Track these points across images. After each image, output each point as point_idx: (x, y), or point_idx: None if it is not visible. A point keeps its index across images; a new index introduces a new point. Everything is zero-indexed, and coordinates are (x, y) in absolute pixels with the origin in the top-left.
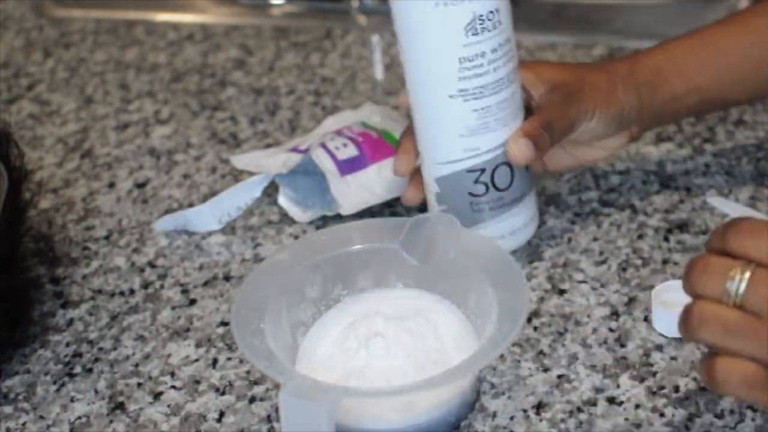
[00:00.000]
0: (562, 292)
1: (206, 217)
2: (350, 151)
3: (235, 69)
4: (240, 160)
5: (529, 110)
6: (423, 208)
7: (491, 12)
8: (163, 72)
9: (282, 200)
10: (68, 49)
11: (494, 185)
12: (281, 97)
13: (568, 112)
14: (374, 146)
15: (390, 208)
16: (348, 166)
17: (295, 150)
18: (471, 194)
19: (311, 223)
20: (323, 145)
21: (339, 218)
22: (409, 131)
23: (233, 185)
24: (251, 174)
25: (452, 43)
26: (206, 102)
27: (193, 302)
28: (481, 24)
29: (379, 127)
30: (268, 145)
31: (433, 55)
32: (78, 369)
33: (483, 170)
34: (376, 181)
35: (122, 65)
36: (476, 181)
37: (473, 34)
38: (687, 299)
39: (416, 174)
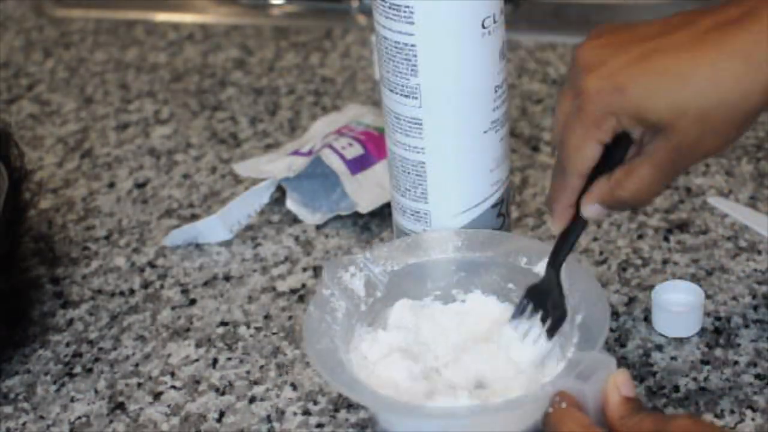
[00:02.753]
0: None
1: (217, 227)
2: (357, 150)
3: (235, 69)
4: (243, 168)
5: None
6: None
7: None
8: (163, 72)
9: (290, 204)
10: (68, 49)
11: (507, 212)
12: (281, 97)
13: (671, 179)
14: (377, 144)
15: (390, 208)
16: (357, 165)
17: (297, 153)
18: (492, 229)
19: (321, 226)
20: (330, 146)
21: (354, 217)
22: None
23: (241, 194)
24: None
25: (491, 70)
26: (206, 102)
27: (193, 302)
28: (504, 45)
29: (376, 125)
30: (268, 146)
31: (474, 87)
32: (78, 369)
33: (502, 201)
34: (386, 178)
35: (122, 65)
36: (498, 215)
37: (502, 58)
38: (687, 299)
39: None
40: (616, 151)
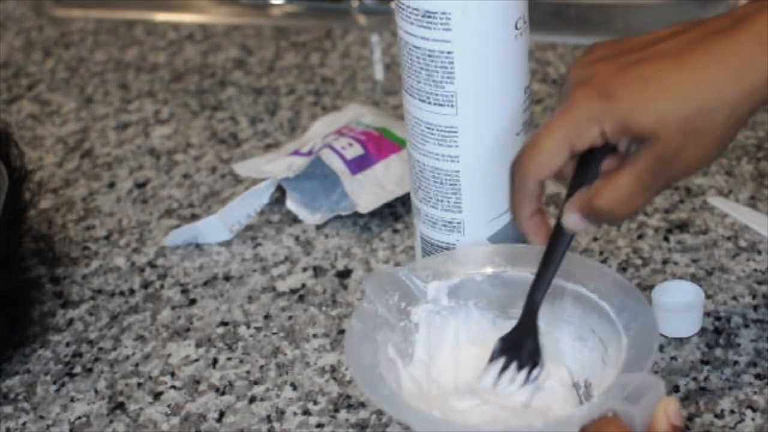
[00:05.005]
0: None
1: (217, 227)
2: (356, 150)
3: (235, 69)
4: (242, 168)
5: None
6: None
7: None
8: (163, 72)
9: (290, 204)
10: (68, 49)
11: None
12: (281, 97)
13: (652, 193)
14: (377, 144)
15: (390, 208)
16: (357, 165)
17: (297, 154)
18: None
19: (321, 226)
20: (330, 146)
21: (354, 217)
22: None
23: (241, 194)
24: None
25: (523, 72)
26: (206, 102)
27: (193, 302)
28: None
29: (376, 125)
30: (268, 146)
31: (508, 90)
32: (78, 369)
33: None
34: (386, 178)
35: (122, 65)
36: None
37: (529, 59)
38: (687, 299)
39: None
40: (593, 165)
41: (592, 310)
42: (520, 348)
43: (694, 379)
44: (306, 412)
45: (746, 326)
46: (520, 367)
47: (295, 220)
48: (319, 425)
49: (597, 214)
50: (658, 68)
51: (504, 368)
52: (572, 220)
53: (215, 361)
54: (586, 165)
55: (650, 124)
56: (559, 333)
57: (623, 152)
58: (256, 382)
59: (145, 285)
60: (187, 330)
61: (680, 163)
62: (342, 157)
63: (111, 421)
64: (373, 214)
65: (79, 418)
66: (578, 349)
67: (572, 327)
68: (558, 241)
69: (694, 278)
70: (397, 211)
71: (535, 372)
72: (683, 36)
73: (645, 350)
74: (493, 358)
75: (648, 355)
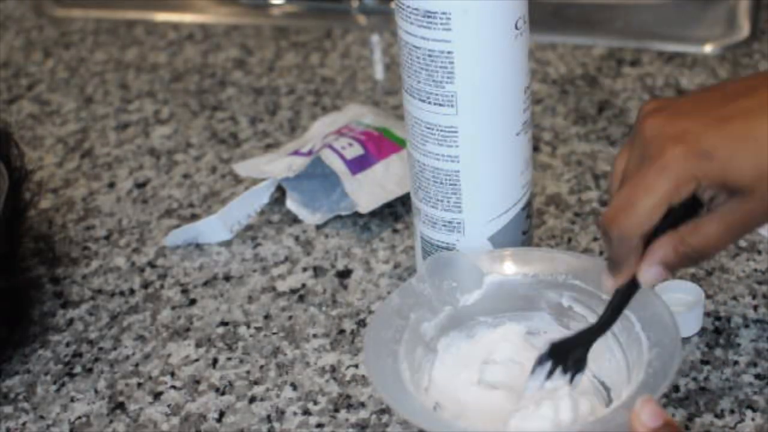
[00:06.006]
0: None
1: (217, 227)
2: (356, 150)
3: (235, 69)
4: (242, 168)
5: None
6: None
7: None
8: (163, 72)
9: (290, 204)
10: (68, 49)
11: (532, 214)
12: (281, 97)
13: (735, 240)
14: (378, 144)
15: (390, 208)
16: (357, 165)
17: (297, 154)
18: (523, 233)
19: (321, 226)
20: (330, 146)
21: (354, 217)
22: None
23: (241, 194)
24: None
25: (523, 71)
26: (206, 102)
27: (193, 302)
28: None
29: (376, 125)
30: (268, 146)
31: (508, 89)
32: (78, 369)
33: (529, 203)
34: (386, 178)
35: (122, 65)
36: (526, 217)
37: (529, 59)
38: (687, 299)
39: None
40: (674, 214)
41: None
42: (566, 356)
43: (694, 379)
44: (306, 412)
45: (746, 326)
46: (564, 371)
47: (295, 220)
48: (319, 425)
49: (681, 263)
50: (751, 125)
51: (551, 372)
52: (653, 273)
53: (215, 361)
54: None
55: (748, 181)
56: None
57: (707, 201)
58: (256, 382)
59: (145, 285)
60: (187, 330)
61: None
62: (342, 157)
63: (111, 421)
64: (373, 214)
65: (79, 418)
66: (601, 351)
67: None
68: (628, 293)
69: (694, 278)
70: (397, 211)
71: (578, 378)
72: (757, 94)
73: (663, 372)
74: (541, 361)
75: (665, 378)
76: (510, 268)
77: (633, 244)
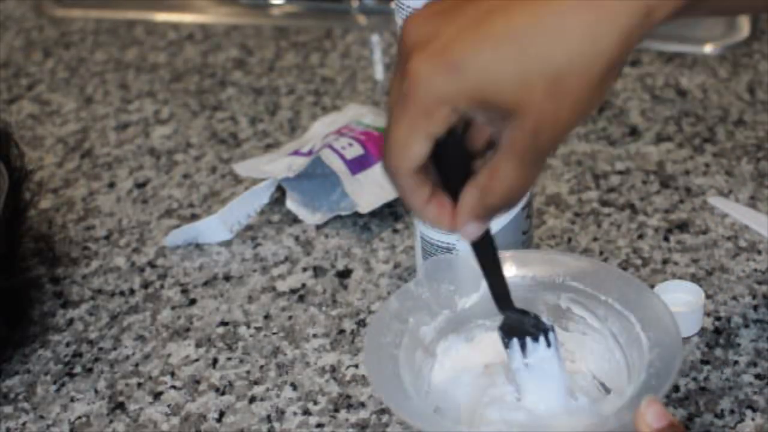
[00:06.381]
0: None
1: (217, 227)
2: (356, 150)
3: (235, 69)
4: (242, 168)
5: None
6: None
7: None
8: (163, 72)
9: (290, 204)
10: (68, 49)
11: (531, 213)
12: (281, 97)
13: (540, 166)
14: (378, 144)
15: (390, 208)
16: (357, 165)
17: (297, 154)
18: (523, 233)
19: (321, 226)
20: (330, 146)
21: (354, 217)
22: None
23: (241, 194)
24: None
25: None
26: (206, 102)
27: (193, 302)
28: None
29: (376, 125)
30: (268, 146)
31: None
32: (78, 369)
33: (529, 202)
34: (385, 178)
35: (122, 65)
36: (527, 217)
37: None
38: (687, 299)
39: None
40: (455, 149)
41: (619, 318)
42: (523, 327)
43: (694, 379)
44: (306, 412)
45: (746, 326)
46: (535, 340)
47: (295, 220)
48: (319, 425)
49: (493, 214)
50: (512, 23)
51: (522, 346)
52: (470, 230)
53: (215, 361)
54: (447, 149)
55: (513, 96)
56: (586, 337)
57: (487, 125)
58: (256, 382)
59: (145, 285)
60: (187, 330)
61: (559, 127)
62: (342, 157)
63: (111, 421)
64: (373, 214)
65: (79, 418)
66: (601, 352)
67: (597, 334)
68: (482, 248)
69: (694, 278)
70: (397, 211)
71: (551, 337)
72: None
73: (664, 373)
74: (506, 345)
75: (666, 379)
76: (508, 270)
77: (405, 183)
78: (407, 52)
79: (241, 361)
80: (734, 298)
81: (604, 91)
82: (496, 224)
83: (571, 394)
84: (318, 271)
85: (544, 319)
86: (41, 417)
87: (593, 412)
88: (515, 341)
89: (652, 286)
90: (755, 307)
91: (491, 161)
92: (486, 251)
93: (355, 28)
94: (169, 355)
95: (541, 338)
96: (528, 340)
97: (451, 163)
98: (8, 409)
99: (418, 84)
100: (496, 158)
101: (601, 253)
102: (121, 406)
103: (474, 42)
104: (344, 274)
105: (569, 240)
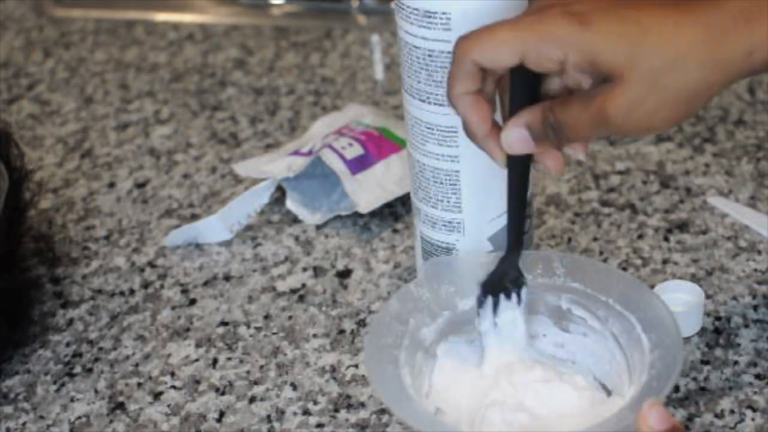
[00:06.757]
0: None
1: (217, 227)
2: (356, 150)
3: (235, 69)
4: (242, 168)
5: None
6: None
7: None
8: (163, 72)
9: (290, 204)
10: (68, 49)
11: (531, 214)
12: (281, 97)
13: (602, 114)
14: (378, 144)
15: (390, 208)
16: (357, 165)
17: (297, 154)
18: (523, 233)
19: (321, 226)
20: (330, 146)
21: (354, 217)
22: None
23: (241, 194)
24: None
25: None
26: (206, 102)
27: (193, 302)
28: None
29: (376, 125)
30: (268, 146)
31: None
32: (78, 369)
33: (529, 203)
34: (386, 178)
35: (122, 65)
36: (527, 217)
37: None
38: (687, 299)
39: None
40: (527, 90)
41: (620, 319)
42: (502, 282)
43: (694, 379)
44: (306, 412)
45: (746, 326)
46: (508, 296)
47: (295, 220)
48: (319, 425)
49: (545, 132)
50: (642, 14)
51: (495, 305)
52: (515, 133)
53: (215, 361)
54: (520, 89)
55: (620, 64)
56: (587, 338)
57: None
58: (256, 382)
59: (145, 285)
60: (187, 330)
61: (637, 116)
62: (342, 157)
63: (111, 421)
64: (373, 214)
65: (79, 418)
66: (601, 353)
67: (598, 335)
68: (517, 172)
69: (694, 278)
70: (397, 211)
71: (523, 293)
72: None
73: (665, 374)
74: (480, 304)
75: (668, 380)
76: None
77: (467, 65)
78: (545, 5)
79: (241, 361)
80: (734, 298)
81: (690, 109)
82: (496, 224)
83: (531, 345)
84: (318, 271)
85: (525, 274)
86: (41, 417)
87: (594, 413)
88: (489, 300)
89: (652, 286)
90: (755, 307)
91: (570, 96)
92: (518, 178)
93: (355, 28)
94: (169, 355)
95: (513, 295)
96: (501, 297)
97: (523, 91)
98: (8, 409)
99: (551, 19)
100: (576, 96)
101: (601, 253)
102: (121, 406)
103: (605, 12)
104: (344, 274)
105: (569, 240)
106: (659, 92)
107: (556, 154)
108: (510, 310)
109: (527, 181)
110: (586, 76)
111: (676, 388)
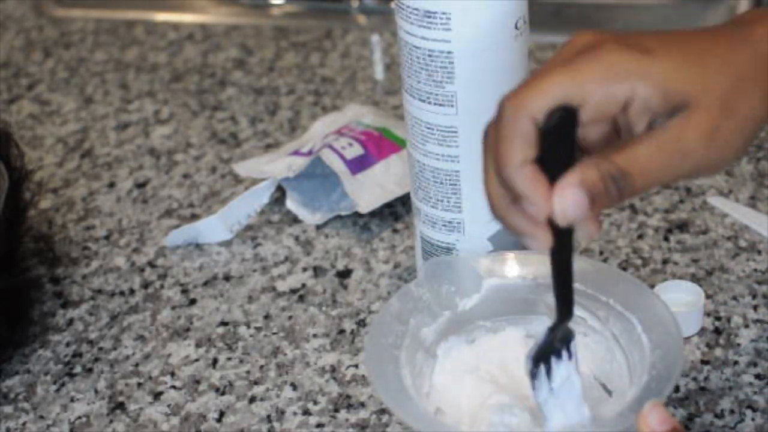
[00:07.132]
0: None
1: (217, 227)
2: (356, 150)
3: (235, 69)
4: (242, 168)
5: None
6: None
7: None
8: (163, 72)
9: (290, 204)
10: (68, 49)
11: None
12: (281, 97)
13: (677, 163)
14: (378, 144)
15: (390, 208)
16: (357, 165)
17: (297, 154)
18: None
19: (321, 226)
20: (330, 146)
21: (354, 217)
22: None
23: (241, 194)
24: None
25: (522, 71)
26: (206, 102)
27: (193, 302)
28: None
29: (376, 125)
30: (269, 145)
31: (506, 90)
32: (78, 369)
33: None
34: (386, 178)
35: (122, 65)
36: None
37: (529, 59)
38: (687, 299)
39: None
40: (565, 146)
41: (620, 319)
42: (552, 344)
43: (694, 379)
44: (306, 412)
45: (746, 326)
46: (559, 356)
47: (295, 220)
48: (319, 425)
49: (604, 185)
50: (692, 39)
51: (548, 371)
52: (568, 196)
53: (215, 361)
54: (555, 147)
55: (693, 90)
56: (587, 338)
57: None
58: (256, 382)
59: (145, 285)
60: (187, 330)
61: (716, 146)
62: (342, 157)
63: (111, 421)
64: (373, 214)
65: (79, 418)
66: (602, 354)
67: (598, 335)
68: (563, 245)
69: (694, 278)
70: (397, 211)
71: (573, 346)
72: (699, 29)
73: (666, 375)
74: (534, 376)
75: (668, 381)
76: (509, 271)
77: (523, 128)
78: (586, 39)
79: (241, 361)
80: (734, 298)
81: (750, 136)
82: (496, 224)
83: (585, 398)
84: (318, 271)
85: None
86: (41, 417)
87: (595, 414)
88: (542, 369)
89: (652, 286)
90: (755, 307)
91: (625, 140)
92: (565, 251)
93: (355, 28)
94: (169, 355)
95: (564, 352)
96: (552, 360)
97: (559, 149)
98: (8, 409)
99: (607, 52)
100: (634, 138)
101: (601, 253)
102: (121, 406)
103: (659, 40)
104: (344, 274)
105: None
106: (732, 116)
107: (597, 217)
108: (564, 367)
109: (572, 248)
110: (646, 114)
111: (676, 388)
